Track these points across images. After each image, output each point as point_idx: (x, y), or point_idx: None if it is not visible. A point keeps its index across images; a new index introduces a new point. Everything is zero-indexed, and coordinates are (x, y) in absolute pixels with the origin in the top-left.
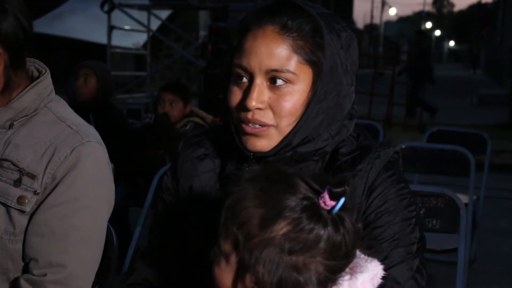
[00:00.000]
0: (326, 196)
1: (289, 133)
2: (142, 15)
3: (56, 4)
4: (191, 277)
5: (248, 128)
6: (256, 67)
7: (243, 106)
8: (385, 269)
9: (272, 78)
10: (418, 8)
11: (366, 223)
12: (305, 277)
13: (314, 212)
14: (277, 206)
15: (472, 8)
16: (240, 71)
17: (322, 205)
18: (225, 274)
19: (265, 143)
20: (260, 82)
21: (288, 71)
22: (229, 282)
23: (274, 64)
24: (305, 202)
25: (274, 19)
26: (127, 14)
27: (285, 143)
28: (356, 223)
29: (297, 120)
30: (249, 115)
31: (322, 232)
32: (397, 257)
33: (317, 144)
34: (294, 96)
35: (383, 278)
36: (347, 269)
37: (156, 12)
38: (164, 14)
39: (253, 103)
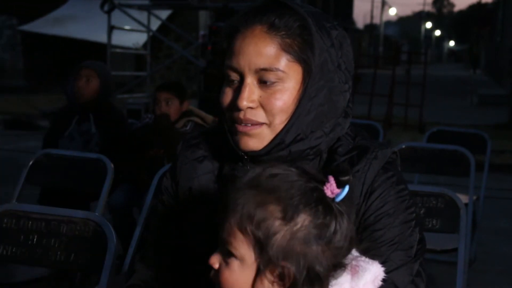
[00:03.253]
0: (333, 184)
1: (281, 130)
2: (142, 15)
3: (56, 5)
4: (191, 279)
5: (240, 127)
6: (245, 66)
7: (234, 106)
8: (385, 272)
9: (262, 77)
10: (418, 8)
11: (365, 225)
12: (323, 266)
13: (324, 202)
14: (292, 199)
15: (472, 8)
16: (230, 72)
17: (328, 193)
18: (242, 276)
19: (257, 142)
20: (251, 81)
21: (277, 70)
22: (248, 283)
23: (262, 63)
24: (315, 194)
25: (262, 19)
26: (127, 14)
27: (278, 141)
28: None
29: (289, 118)
30: (241, 114)
31: (333, 221)
32: (397, 260)
33: (311, 142)
34: (285, 94)
35: (383, 281)
36: (348, 270)
37: (156, 12)
38: (164, 14)
39: (244, 102)
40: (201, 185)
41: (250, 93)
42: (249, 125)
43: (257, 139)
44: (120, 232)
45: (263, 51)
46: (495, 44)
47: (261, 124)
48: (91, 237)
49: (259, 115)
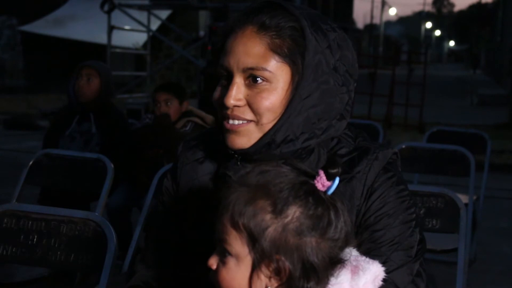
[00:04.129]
0: (323, 177)
1: (270, 130)
2: (142, 15)
3: (56, 5)
4: (191, 279)
5: (228, 125)
6: (234, 65)
7: (223, 104)
8: (385, 272)
9: (250, 76)
10: (418, 8)
11: (366, 226)
12: (318, 258)
13: (315, 194)
14: (281, 193)
15: (472, 8)
16: (222, 70)
17: (319, 186)
18: (239, 273)
19: (244, 140)
20: (239, 80)
21: (264, 69)
22: (245, 280)
23: (250, 62)
24: (304, 187)
25: (254, 19)
26: (127, 14)
27: (267, 141)
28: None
29: (278, 118)
30: (229, 111)
31: (326, 213)
32: (397, 260)
33: (302, 143)
34: (272, 94)
35: (383, 281)
36: (348, 269)
37: (156, 12)
38: (164, 14)
39: (230, 100)
40: (201, 185)
41: (237, 92)
42: (236, 122)
43: (244, 136)
44: (117, 233)
45: (251, 51)
46: (495, 44)
47: (248, 121)
48: (91, 237)
49: (247, 113)
